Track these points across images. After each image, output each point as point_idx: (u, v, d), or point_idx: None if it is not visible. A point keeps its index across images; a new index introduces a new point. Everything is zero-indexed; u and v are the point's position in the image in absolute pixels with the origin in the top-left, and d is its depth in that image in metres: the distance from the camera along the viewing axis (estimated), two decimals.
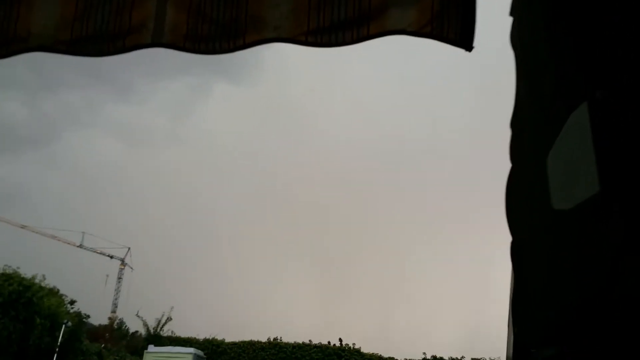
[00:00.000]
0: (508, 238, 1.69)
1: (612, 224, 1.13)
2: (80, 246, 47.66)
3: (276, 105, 68.03)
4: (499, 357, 15.45)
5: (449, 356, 15.66)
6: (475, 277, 44.41)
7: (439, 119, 59.27)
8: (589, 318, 1.31)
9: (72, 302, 8.34)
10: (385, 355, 15.91)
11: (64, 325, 8.03)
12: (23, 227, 45.76)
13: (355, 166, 57.83)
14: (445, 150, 56.63)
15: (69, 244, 47.11)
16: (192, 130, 67.00)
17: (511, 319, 1.72)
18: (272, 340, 16.04)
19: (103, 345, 11.57)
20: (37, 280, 7.42)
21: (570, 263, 1.33)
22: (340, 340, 15.87)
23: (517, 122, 1.51)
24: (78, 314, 8.90)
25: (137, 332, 18.49)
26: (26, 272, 7.32)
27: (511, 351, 1.83)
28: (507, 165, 1.47)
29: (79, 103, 66.17)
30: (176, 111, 72.10)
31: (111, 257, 49.51)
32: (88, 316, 9.08)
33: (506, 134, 1.48)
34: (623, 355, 1.23)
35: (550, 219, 1.36)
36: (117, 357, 11.44)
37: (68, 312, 8.35)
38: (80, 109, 65.35)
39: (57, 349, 7.84)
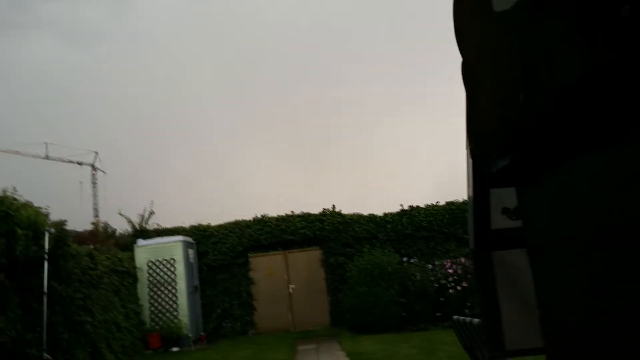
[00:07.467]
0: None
1: (550, 19, 1.11)
2: (47, 157, 46.74)
3: None
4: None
5: (425, 203, 16.50)
6: (441, 130, 45.39)
7: None
8: (536, 122, 1.30)
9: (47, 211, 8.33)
10: (365, 213, 16.66)
11: (47, 233, 8.10)
12: None
13: (320, 36, 55.87)
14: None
15: (33, 156, 46.12)
16: (135, 21, 62.82)
17: (467, 137, 1.74)
18: (256, 217, 16.61)
19: (92, 246, 11.84)
20: (8, 193, 7.31)
21: (513, 69, 1.30)
22: (323, 209, 16.51)
23: None
24: (59, 222, 8.95)
25: (121, 230, 18.87)
26: None
27: (471, 169, 1.86)
28: None
29: (1, 2, 60.43)
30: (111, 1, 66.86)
31: (80, 163, 48.86)
32: (65, 221, 9.13)
33: None
34: (569, 153, 1.27)
35: (493, 25, 1.31)
36: (108, 255, 11.77)
37: (49, 220, 8.37)
38: (4, 9, 59.97)
39: (46, 256, 7.99)
